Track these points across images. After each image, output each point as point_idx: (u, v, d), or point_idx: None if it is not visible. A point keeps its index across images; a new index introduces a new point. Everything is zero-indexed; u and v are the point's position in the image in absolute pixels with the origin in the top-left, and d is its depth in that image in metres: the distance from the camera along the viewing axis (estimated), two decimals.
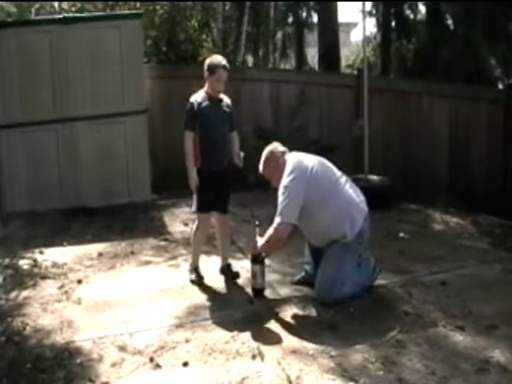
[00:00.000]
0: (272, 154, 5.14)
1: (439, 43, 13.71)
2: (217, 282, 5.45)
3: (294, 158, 5.04)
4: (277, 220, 4.78)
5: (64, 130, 8.08)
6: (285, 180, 4.87)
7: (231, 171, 5.44)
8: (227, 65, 5.19)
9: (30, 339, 4.38)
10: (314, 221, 4.92)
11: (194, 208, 5.37)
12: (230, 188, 5.42)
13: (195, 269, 5.49)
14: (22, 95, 7.89)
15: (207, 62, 5.22)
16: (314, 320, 4.60)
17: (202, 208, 5.29)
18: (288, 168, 4.93)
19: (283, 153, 5.13)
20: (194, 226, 5.52)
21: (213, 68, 5.13)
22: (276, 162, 5.07)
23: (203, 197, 5.22)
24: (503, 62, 14.16)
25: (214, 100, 5.23)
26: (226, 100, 5.36)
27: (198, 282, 5.38)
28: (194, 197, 5.30)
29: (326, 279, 4.87)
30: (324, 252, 4.99)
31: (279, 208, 4.80)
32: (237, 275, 5.47)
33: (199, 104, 5.16)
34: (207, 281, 5.45)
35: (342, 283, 4.83)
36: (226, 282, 5.43)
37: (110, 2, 11.67)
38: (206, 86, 5.25)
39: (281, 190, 4.85)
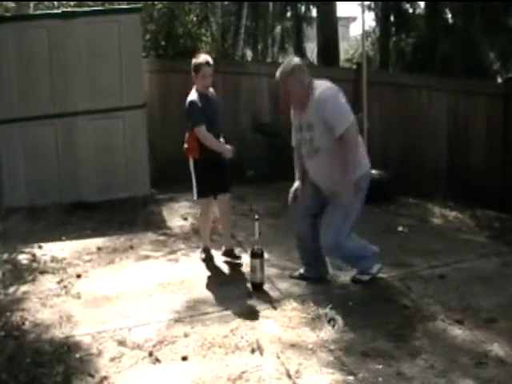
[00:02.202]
0: (301, 67, 4.95)
1: (438, 37, 13.69)
2: (216, 276, 5.47)
3: (327, 82, 4.98)
4: (342, 128, 4.68)
5: (63, 125, 8.08)
6: (327, 94, 4.81)
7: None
8: (210, 60, 5.56)
9: (29, 334, 4.38)
10: (335, 146, 4.78)
11: (195, 196, 5.75)
12: (228, 170, 5.70)
13: (205, 249, 5.90)
14: (20, 90, 7.87)
15: (192, 63, 5.59)
16: (313, 314, 4.60)
17: (202, 194, 5.68)
18: (325, 86, 4.88)
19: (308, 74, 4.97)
20: (199, 214, 6.06)
21: (197, 67, 5.54)
22: (303, 76, 4.87)
23: (202, 184, 5.62)
24: (502, 56, 14.16)
25: (205, 96, 5.58)
26: (212, 91, 5.75)
27: (207, 260, 5.81)
28: (194, 185, 5.66)
29: (332, 224, 4.84)
30: (329, 203, 4.93)
31: (337, 116, 4.73)
32: (239, 258, 5.75)
33: (200, 103, 5.48)
34: (206, 275, 5.47)
35: (347, 235, 4.84)
36: (225, 275, 5.45)
37: None
38: (196, 84, 5.61)
39: (326, 103, 4.77)
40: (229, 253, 5.77)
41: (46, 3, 12.21)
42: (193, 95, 5.55)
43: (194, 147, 5.54)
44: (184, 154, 5.71)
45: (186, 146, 5.64)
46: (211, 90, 5.70)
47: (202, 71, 5.49)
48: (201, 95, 5.53)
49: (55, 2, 12.13)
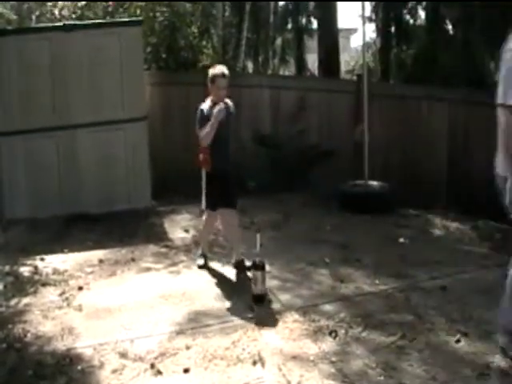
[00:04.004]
0: None
1: (438, 48, 13.72)
2: (217, 288, 5.47)
3: None
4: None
5: (64, 137, 8.08)
6: None
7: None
8: (226, 73, 5.65)
9: (30, 346, 4.38)
10: None
11: (203, 206, 5.97)
12: (234, 186, 5.84)
13: (203, 255, 6.09)
14: (22, 102, 7.88)
15: (209, 73, 5.67)
16: (315, 326, 4.60)
17: (210, 206, 5.84)
18: None
19: None
20: (203, 220, 6.10)
21: (213, 78, 5.63)
22: None
23: (211, 196, 5.79)
24: None
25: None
26: (229, 103, 5.79)
27: (204, 267, 5.97)
28: (204, 196, 5.88)
29: None
30: None
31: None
32: (249, 269, 5.74)
33: (208, 111, 5.60)
34: (207, 287, 5.47)
35: None
36: (227, 287, 5.46)
37: (110, 9, 11.67)
38: (211, 94, 5.70)
39: None
40: (239, 264, 5.83)
41: (48, 16, 12.26)
42: (205, 104, 5.70)
43: (207, 160, 5.68)
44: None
45: (200, 157, 5.74)
46: (228, 101, 5.79)
47: (218, 82, 5.60)
48: (212, 105, 5.64)
49: (56, 14, 12.17)
